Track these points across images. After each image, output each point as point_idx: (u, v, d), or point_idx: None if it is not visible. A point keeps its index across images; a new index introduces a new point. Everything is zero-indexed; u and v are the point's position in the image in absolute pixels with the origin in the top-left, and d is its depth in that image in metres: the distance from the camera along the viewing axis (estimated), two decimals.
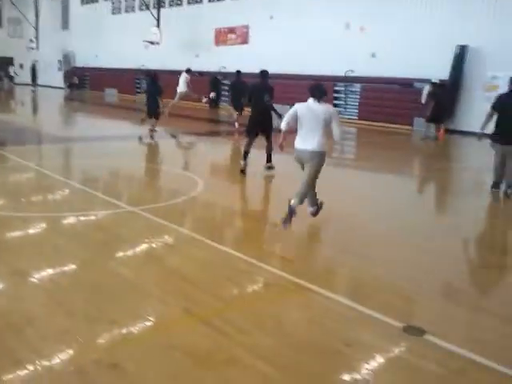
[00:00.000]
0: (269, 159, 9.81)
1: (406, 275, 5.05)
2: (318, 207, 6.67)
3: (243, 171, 9.42)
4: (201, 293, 4.37)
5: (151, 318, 3.88)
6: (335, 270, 5.31)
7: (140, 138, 13.31)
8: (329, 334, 3.81)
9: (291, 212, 6.08)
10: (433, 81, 16.80)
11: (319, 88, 6.23)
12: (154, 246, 5.62)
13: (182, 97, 19.44)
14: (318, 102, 6.19)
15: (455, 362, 3.45)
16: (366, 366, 3.37)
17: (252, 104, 9.66)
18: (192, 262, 5.20)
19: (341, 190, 9.05)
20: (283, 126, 6.41)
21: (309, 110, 6.19)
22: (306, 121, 6.18)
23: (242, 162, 9.51)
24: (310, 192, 6.43)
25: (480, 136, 8.95)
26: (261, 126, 9.54)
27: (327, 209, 7.51)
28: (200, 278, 4.74)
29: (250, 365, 3.33)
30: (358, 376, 3.28)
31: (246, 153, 9.52)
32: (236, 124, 16.09)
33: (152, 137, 13.54)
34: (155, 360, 3.32)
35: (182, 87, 19.40)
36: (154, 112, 13.66)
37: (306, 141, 6.21)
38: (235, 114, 16.33)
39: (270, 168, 9.78)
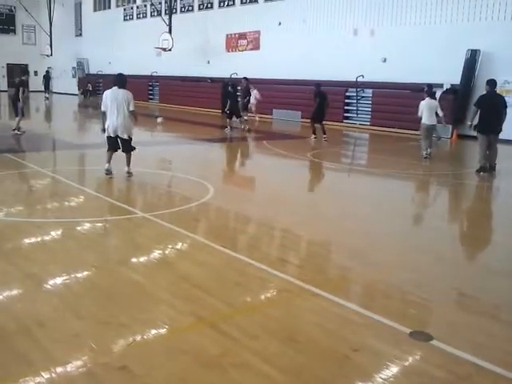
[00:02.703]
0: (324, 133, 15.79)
1: (416, 281, 5.06)
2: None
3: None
4: (211, 298, 4.43)
5: (161, 323, 3.94)
6: (344, 276, 5.34)
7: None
8: (336, 339, 3.84)
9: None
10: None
11: (430, 87, 13.42)
12: (165, 251, 5.70)
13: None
14: (430, 98, 12.91)
15: (461, 368, 3.46)
16: (373, 370, 3.41)
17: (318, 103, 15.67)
18: (203, 267, 5.27)
19: (351, 196, 9.09)
20: (419, 114, 12.79)
21: (427, 103, 12.70)
22: (425, 109, 12.72)
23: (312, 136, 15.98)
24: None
25: (470, 126, 11.27)
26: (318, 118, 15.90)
27: (337, 214, 7.56)
28: (210, 283, 4.80)
29: (258, 369, 3.37)
30: (364, 381, 3.32)
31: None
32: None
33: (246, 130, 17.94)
34: (164, 363, 3.39)
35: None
36: (238, 112, 17.86)
37: (430, 119, 12.67)
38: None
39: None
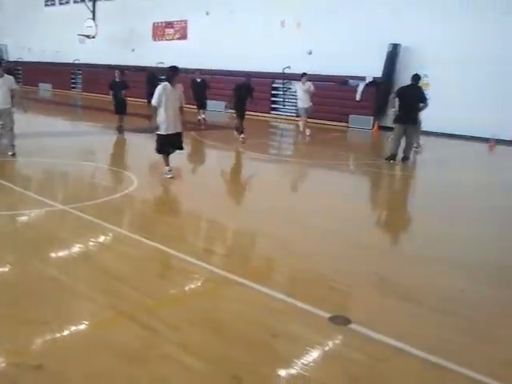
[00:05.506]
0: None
1: (338, 268, 5.19)
2: None
3: None
4: (132, 291, 4.35)
5: (81, 319, 3.83)
6: (268, 265, 5.40)
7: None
8: (257, 326, 3.89)
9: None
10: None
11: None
12: (85, 244, 5.53)
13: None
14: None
15: (379, 350, 3.60)
16: (292, 355, 3.47)
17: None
18: (124, 260, 5.17)
19: (278, 186, 9.19)
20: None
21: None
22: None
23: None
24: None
25: (394, 111, 12.05)
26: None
27: (265, 204, 7.62)
28: (132, 276, 4.72)
29: (181, 361, 3.36)
30: (285, 366, 3.38)
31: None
32: None
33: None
34: (82, 359, 3.30)
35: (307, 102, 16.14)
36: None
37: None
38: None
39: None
